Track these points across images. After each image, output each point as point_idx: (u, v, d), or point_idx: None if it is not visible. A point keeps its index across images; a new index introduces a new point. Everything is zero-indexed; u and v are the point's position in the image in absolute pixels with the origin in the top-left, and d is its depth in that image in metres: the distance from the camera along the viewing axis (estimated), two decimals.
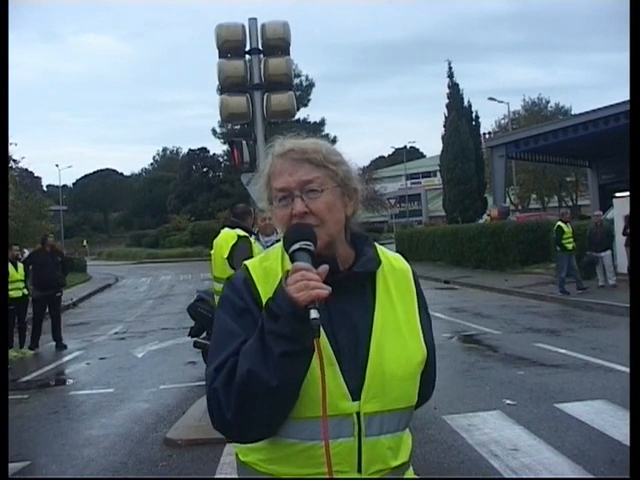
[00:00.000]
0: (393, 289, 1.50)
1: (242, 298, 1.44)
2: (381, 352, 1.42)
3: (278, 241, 1.56)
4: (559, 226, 14.27)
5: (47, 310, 11.58)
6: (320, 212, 1.41)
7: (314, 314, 1.25)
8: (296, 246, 1.35)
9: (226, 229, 6.08)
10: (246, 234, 5.94)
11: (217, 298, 6.16)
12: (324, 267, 1.32)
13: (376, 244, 1.55)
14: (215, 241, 6.15)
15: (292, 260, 1.35)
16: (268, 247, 6.96)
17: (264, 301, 1.37)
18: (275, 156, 1.46)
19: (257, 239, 6.42)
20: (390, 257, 1.56)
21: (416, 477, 1.57)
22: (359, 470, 1.40)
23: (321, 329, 1.30)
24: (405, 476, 1.51)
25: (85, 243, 55.56)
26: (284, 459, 1.41)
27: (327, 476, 1.38)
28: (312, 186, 1.42)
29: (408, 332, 1.48)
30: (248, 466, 1.48)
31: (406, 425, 1.51)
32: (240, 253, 5.81)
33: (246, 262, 1.54)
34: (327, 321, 1.39)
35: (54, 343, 11.42)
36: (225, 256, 5.87)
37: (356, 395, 1.39)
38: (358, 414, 1.39)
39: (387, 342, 1.43)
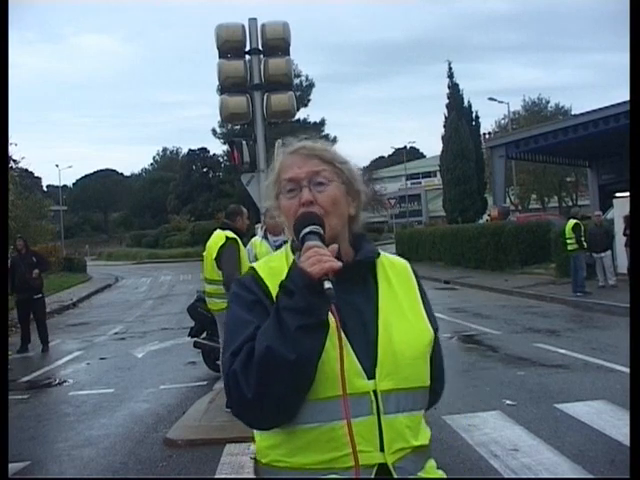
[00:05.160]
0: (393, 279, 1.57)
1: (252, 292, 1.49)
2: (389, 333, 1.47)
3: (286, 241, 1.59)
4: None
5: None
6: (325, 203, 1.48)
7: (328, 284, 1.31)
8: (307, 230, 1.42)
9: (218, 230, 6.10)
10: (235, 236, 5.93)
11: (208, 300, 6.21)
12: (334, 246, 1.39)
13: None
14: (208, 243, 6.16)
15: (303, 244, 1.40)
16: (277, 246, 6.99)
17: (274, 294, 1.42)
18: (287, 153, 1.55)
19: (265, 238, 6.44)
20: (388, 256, 1.64)
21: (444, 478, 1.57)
22: (381, 449, 1.41)
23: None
24: (427, 466, 1.51)
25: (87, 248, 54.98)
26: (306, 447, 1.41)
27: (352, 457, 1.36)
28: (320, 178, 1.50)
29: (412, 316, 1.54)
30: (270, 466, 1.46)
31: (422, 406, 1.53)
32: (227, 255, 5.83)
33: (252, 264, 1.61)
34: (336, 311, 1.44)
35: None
36: (214, 257, 5.88)
37: (370, 373, 1.43)
38: (375, 392, 1.42)
39: (394, 324, 1.49)
